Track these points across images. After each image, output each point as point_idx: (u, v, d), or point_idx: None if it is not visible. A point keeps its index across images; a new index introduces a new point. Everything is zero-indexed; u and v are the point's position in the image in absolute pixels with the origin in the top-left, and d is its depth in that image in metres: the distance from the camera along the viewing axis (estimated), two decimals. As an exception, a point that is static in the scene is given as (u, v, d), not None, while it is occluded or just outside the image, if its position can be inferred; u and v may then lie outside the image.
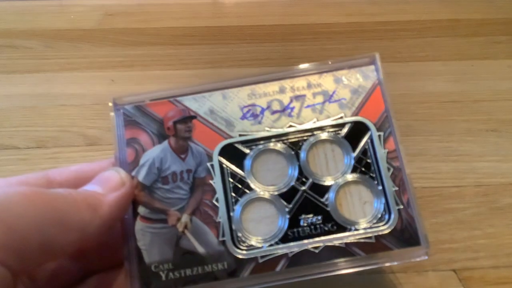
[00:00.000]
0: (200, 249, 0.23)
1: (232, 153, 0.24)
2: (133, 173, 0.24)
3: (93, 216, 0.20)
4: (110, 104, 0.25)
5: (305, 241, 0.23)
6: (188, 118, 0.25)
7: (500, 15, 0.60)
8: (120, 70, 0.50)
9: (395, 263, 0.23)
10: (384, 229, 0.23)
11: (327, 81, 0.25)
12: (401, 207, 0.23)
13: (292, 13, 0.61)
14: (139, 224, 0.23)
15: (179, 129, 0.25)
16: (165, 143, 0.24)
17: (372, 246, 0.23)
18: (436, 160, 0.39)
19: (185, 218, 0.23)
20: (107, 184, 0.22)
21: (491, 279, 0.30)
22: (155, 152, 0.24)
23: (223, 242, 0.23)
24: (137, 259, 0.22)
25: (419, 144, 0.41)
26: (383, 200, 0.24)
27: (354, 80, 0.25)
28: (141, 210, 0.23)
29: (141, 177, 0.24)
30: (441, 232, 0.33)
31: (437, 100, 0.46)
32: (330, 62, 0.26)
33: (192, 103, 0.25)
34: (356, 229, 0.23)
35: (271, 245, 0.23)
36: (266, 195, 0.24)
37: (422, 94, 0.47)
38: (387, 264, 0.23)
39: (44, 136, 0.42)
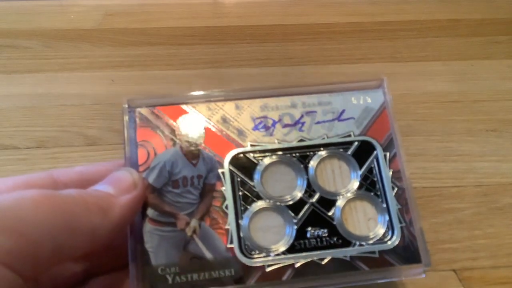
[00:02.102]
0: (208, 255, 0.23)
1: (242, 162, 0.25)
2: (144, 175, 0.24)
3: (104, 219, 0.19)
4: (125, 105, 0.25)
5: (311, 252, 0.23)
6: (200, 124, 0.25)
7: (500, 15, 0.60)
8: (120, 70, 0.50)
9: (395, 279, 0.24)
10: (387, 245, 0.24)
11: (337, 100, 0.26)
12: (404, 225, 0.24)
13: (292, 13, 0.61)
14: (147, 226, 0.23)
15: (190, 135, 0.25)
16: (177, 147, 0.24)
17: (375, 261, 0.23)
18: (436, 160, 0.39)
19: (194, 222, 0.23)
20: (119, 185, 0.21)
21: (491, 279, 0.30)
22: (167, 155, 0.24)
23: (231, 249, 0.23)
24: (144, 261, 0.22)
25: (419, 144, 0.41)
26: (387, 217, 0.24)
27: (363, 101, 0.26)
28: (150, 212, 0.23)
29: (151, 179, 0.24)
30: (441, 232, 0.33)
31: (437, 100, 0.46)
32: (340, 82, 0.27)
33: (205, 111, 0.25)
34: (360, 244, 0.24)
35: (277, 254, 0.23)
36: (275, 205, 0.24)
37: (422, 94, 0.47)
38: (388, 280, 0.24)
39: (44, 136, 0.42)
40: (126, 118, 0.25)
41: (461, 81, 0.49)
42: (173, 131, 0.25)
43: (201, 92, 0.26)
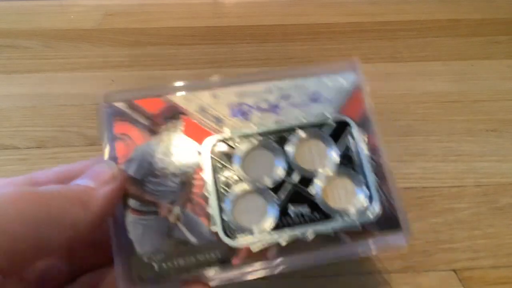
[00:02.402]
0: (193, 239, 0.23)
1: (221, 148, 0.25)
2: (123, 167, 0.24)
3: (85, 212, 0.20)
4: (101, 100, 0.25)
5: (295, 229, 0.24)
6: (178, 114, 0.25)
7: (500, 15, 0.60)
8: (120, 70, 0.50)
9: (379, 248, 0.24)
10: (369, 216, 0.24)
11: (311, 83, 0.27)
12: (383, 197, 0.25)
13: (292, 13, 0.61)
14: (129, 217, 0.23)
15: (169, 125, 0.25)
16: (156, 138, 0.25)
17: (358, 233, 0.24)
18: (436, 160, 0.39)
19: (176, 210, 0.23)
20: (98, 178, 0.22)
21: (491, 279, 0.30)
22: (145, 146, 0.24)
23: (215, 232, 0.23)
24: (128, 251, 0.22)
25: (419, 144, 0.41)
26: (367, 191, 0.25)
27: (337, 83, 0.27)
28: (132, 202, 0.23)
29: (131, 171, 0.24)
30: (441, 232, 0.33)
31: (437, 100, 0.46)
32: (314, 66, 0.28)
33: (182, 101, 0.26)
34: (343, 218, 0.24)
35: (261, 233, 0.24)
36: (256, 187, 0.25)
37: (422, 94, 0.47)
38: (372, 250, 0.24)
39: (44, 136, 0.42)
40: (103, 113, 0.25)
41: (461, 81, 0.49)
42: (151, 122, 0.25)
43: (178, 84, 0.26)
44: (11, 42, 0.55)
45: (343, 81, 0.27)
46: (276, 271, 0.23)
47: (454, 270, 0.31)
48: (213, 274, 0.23)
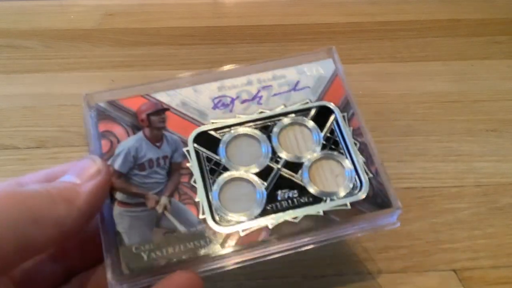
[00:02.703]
0: (181, 227, 0.23)
1: (206, 139, 0.25)
2: (109, 162, 0.24)
3: (70, 209, 0.19)
4: (84, 101, 0.26)
5: (284, 213, 0.24)
6: (161, 110, 0.26)
7: (500, 15, 0.60)
8: (120, 70, 0.50)
9: (370, 226, 0.24)
10: (358, 196, 0.24)
11: (290, 73, 0.28)
12: (371, 176, 0.25)
13: (292, 13, 0.61)
14: (117, 209, 0.23)
15: (152, 121, 0.25)
16: (140, 133, 0.25)
17: (348, 213, 0.24)
18: (436, 160, 0.39)
19: (163, 200, 0.23)
20: (82, 173, 0.21)
21: (491, 279, 0.30)
22: (130, 142, 0.25)
23: (204, 220, 0.23)
24: (117, 243, 0.22)
25: (419, 144, 0.41)
26: (354, 171, 0.25)
27: (316, 71, 0.28)
28: (119, 195, 0.23)
29: (117, 165, 0.24)
30: (441, 232, 0.33)
31: (437, 100, 0.46)
32: (292, 56, 0.28)
33: (164, 97, 0.26)
34: (331, 199, 0.24)
35: (251, 219, 0.24)
36: (243, 175, 0.25)
37: (422, 94, 0.47)
38: (364, 229, 0.24)
39: (44, 136, 0.42)
40: (86, 113, 0.25)
41: (461, 81, 0.49)
42: (134, 119, 0.25)
43: (158, 81, 0.27)
44: (11, 42, 0.55)
45: (321, 69, 0.28)
46: (267, 256, 0.23)
47: (454, 270, 0.31)
48: (202, 261, 0.22)
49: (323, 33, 0.56)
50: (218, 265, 0.23)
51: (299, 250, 0.23)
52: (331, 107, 0.27)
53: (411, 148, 0.40)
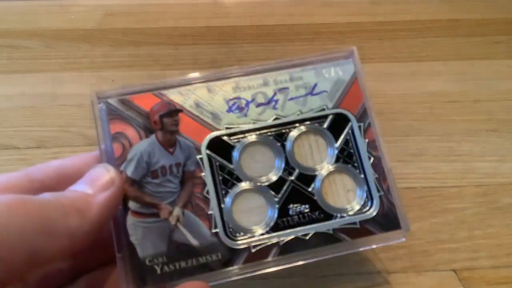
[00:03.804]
0: (194, 241, 0.23)
1: (219, 145, 0.25)
2: (121, 168, 0.24)
3: (82, 221, 0.19)
4: (94, 97, 0.25)
5: (295, 229, 0.24)
6: (175, 111, 0.25)
7: (500, 15, 0.60)
8: (120, 70, 0.50)
9: (377, 245, 0.24)
10: (367, 214, 0.24)
11: (308, 75, 0.26)
12: (382, 193, 0.25)
13: (292, 13, 0.61)
14: (130, 219, 0.23)
15: (165, 123, 0.25)
16: (152, 137, 0.24)
17: (357, 232, 0.24)
18: (436, 160, 0.39)
19: (177, 211, 0.23)
20: (96, 183, 0.21)
21: (491, 279, 0.30)
22: (143, 146, 0.24)
23: (216, 234, 0.23)
24: (130, 254, 0.22)
25: (419, 144, 0.41)
26: (365, 187, 0.25)
27: (334, 74, 0.26)
28: (132, 205, 0.23)
29: (129, 171, 0.24)
30: (441, 232, 0.33)
31: (437, 100, 0.46)
32: (310, 56, 0.27)
33: (177, 97, 0.25)
34: (341, 216, 0.24)
35: (262, 234, 0.24)
36: (255, 186, 0.25)
37: (422, 94, 0.47)
38: (370, 247, 0.24)
39: (44, 136, 0.42)
40: (96, 111, 0.24)
41: (461, 81, 0.49)
42: (147, 120, 0.24)
43: (172, 78, 0.26)
44: (11, 42, 0.55)
45: (340, 72, 0.27)
46: (276, 270, 0.23)
47: (454, 270, 0.31)
48: (213, 275, 0.23)
49: (323, 33, 0.57)
50: (228, 280, 0.23)
51: (305, 262, 0.24)
52: (348, 115, 0.26)
53: (411, 148, 0.40)
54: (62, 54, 0.53)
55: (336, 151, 0.25)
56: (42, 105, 0.45)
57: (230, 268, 0.23)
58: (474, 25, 0.58)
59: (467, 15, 0.60)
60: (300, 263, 0.24)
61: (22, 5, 0.61)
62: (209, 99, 0.25)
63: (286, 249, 0.23)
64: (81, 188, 0.21)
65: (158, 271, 0.22)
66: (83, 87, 0.48)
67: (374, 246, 0.24)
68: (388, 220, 0.24)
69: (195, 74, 0.26)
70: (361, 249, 0.24)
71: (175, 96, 0.25)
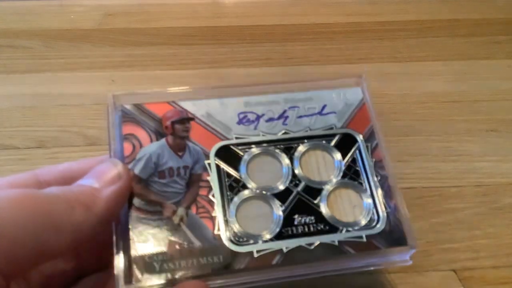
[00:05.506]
0: (196, 242, 0.23)
1: (228, 154, 0.25)
2: (130, 166, 0.24)
3: (87, 215, 0.19)
4: (110, 100, 0.25)
5: (299, 239, 0.24)
6: (186, 119, 0.26)
7: (500, 15, 0.60)
8: (120, 70, 0.50)
9: (383, 261, 0.24)
10: (374, 229, 0.24)
11: (318, 96, 0.27)
12: (389, 210, 0.25)
13: (292, 13, 0.61)
14: (133, 215, 0.23)
15: (177, 129, 0.25)
16: (163, 140, 0.25)
17: (363, 246, 0.24)
18: (436, 160, 0.39)
19: (181, 211, 0.23)
20: (103, 177, 0.21)
21: (491, 279, 0.30)
22: (153, 148, 0.25)
23: (219, 236, 0.23)
24: (130, 250, 0.22)
25: (419, 144, 0.41)
26: (372, 204, 0.25)
27: (343, 97, 0.28)
28: (136, 201, 0.23)
29: (137, 170, 0.24)
30: (441, 232, 0.33)
31: (437, 100, 0.46)
32: (321, 79, 0.28)
33: (190, 106, 0.26)
34: (347, 230, 0.24)
35: (265, 241, 0.23)
36: (261, 194, 0.25)
37: (422, 94, 0.47)
38: (376, 266, 0.24)
39: (44, 136, 0.42)
40: (111, 113, 0.25)
41: (461, 81, 0.49)
42: (159, 125, 0.25)
43: (185, 89, 0.26)
44: (11, 42, 0.54)
45: (350, 96, 0.28)
46: (278, 279, 0.23)
47: (454, 270, 0.31)
48: (213, 278, 0.22)
49: (323, 33, 0.56)
50: (227, 284, 0.22)
51: (309, 277, 0.23)
52: (355, 135, 0.27)
53: (411, 148, 0.40)
54: (62, 54, 0.53)
55: (343, 168, 0.26)
56: (42, 105, 0.45)
57: (231, 272, 0.22)
58: (474, 25, 0.58)
59: (467, 15, 0.60)
60: (303, 274, 0.23)
61: (22, 5, 0.61)
62: (220, 111, 0.26)
63: (289, 257, 0.23)
64: (87, 182, 0.21)
65: (157, 268, 0.22)
66: (83, 87, 0.48)
67: (378, 261, 0.24)
68: (395, 236, 0.24)
69: (208, 88, 0.27)
70: (365, 263, 0.24)
71: (188, 106, 0.26)
